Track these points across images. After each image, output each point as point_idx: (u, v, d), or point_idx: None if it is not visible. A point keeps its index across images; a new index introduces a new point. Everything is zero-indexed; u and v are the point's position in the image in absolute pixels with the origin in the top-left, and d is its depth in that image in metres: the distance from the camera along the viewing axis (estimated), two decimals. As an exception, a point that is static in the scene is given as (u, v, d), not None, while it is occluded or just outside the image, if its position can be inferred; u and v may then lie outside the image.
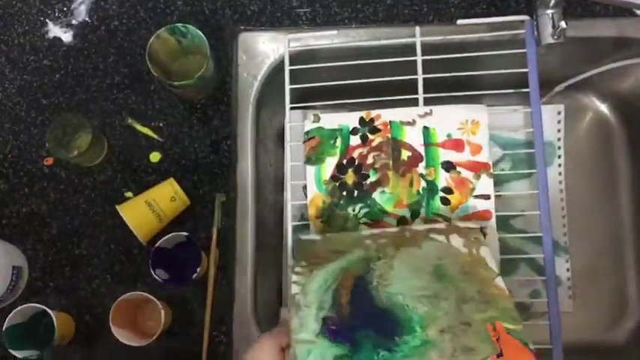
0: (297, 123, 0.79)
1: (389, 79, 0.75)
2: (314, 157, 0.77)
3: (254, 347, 0.61)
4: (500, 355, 0.57)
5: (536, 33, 0.74)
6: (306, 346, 0.59)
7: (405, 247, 0.67)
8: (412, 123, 0.76)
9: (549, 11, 0.72)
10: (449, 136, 0.76)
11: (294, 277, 0.65)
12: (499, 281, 0.64)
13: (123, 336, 0.72)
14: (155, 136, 0.83)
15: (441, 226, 0.70)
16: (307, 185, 0.77)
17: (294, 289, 0.64)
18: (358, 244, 0.68)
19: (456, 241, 0.68)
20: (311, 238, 0.71)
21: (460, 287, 0.62)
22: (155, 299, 0.73)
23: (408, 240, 0.68)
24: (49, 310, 0.72)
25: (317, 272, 0.65)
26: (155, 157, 0.82)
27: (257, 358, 0.60)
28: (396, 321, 0.60)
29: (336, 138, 0.77)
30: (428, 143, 0.76)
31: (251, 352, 0.60)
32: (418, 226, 0.71)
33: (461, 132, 0.76)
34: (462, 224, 0.70)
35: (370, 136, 0.77)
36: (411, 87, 0.76)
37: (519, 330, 0.60)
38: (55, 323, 0.72)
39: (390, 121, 0.77)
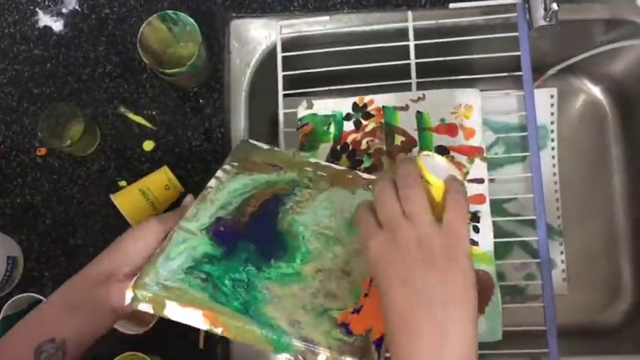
0: (290, 110, 0.79)
1: (382, 64, 0.75)
2: (308, 144, 0.77)
3: (139, 225, 0.61)
4: (356, 311, 0.56)
5: (528, 16, 0.73)
6: (185, 235, 0.60)
7: (338, 186, 0.67)
8: (405, 108, 0.76)
9: (541, -6, 0.72)
10: (442, 120, 0.76)
11: (219, 173, 0.65)
12: None
13: (120, 324, 0.72)
14: (148, 125, 0.82)
15: None
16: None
17: (212, 182, 0.65)
18: (298, 166, 0.68)
19: None
20: (258, 144, 0.70)
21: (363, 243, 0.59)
22: None
23: (346, 181, 0.68)
24: (44, 299, 0.72)
25: (241, 176, 0.65)
26: (148, 145, 0.82)
27: (138, 236, 0.60)
28: (283, 247, 0.60)
29: (330, 124, 0.77)
30: (421, 128, 0.76)
31: (135, 228, 0.61)
32: (364, 175, 0.70)
33: (454, 116, 0.76)
34: None
35: (364, 122, 0.77)
36: (404, 72, 0.76)
37: None
38: None
39: (383, 107, 0.76)
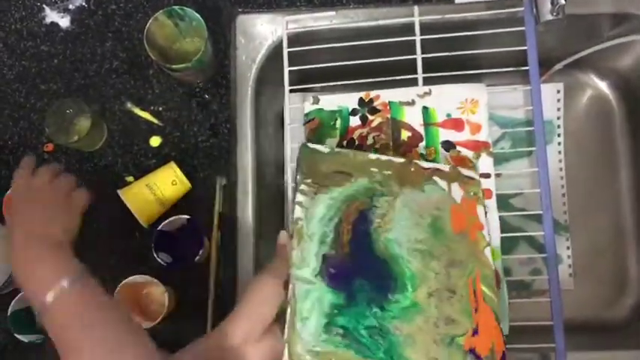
0: (296, 105, 0.79)
1: (388, 59, 0.75)
2: (314, 139, 0.77)
3: (255, 286, 0.59)
4: (475, 332, 0.61)
5: (535, 10, 0.73)
6: (306, 286, 0.62)
7: (408, 185, 0.68)
8: (411, 103, 0.76)
9: (548, -13, 0.72)
10: (448, 115, 0.76)
11: (299, 197, 0.66)
12: (487, 252, 0.67)
13: None
14: (155, 121, 0.83)
15: (445, 168, 0.71)
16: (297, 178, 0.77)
17: (298, 212, 0.65)
18: (364, 168, 0.69)
19: (456, 191, 0.70)
20: (318, 147, 0.70)
21: (452, 248, 0.65)
22: (159, 282, 0.73)
23: (412, 176, 0.69)
24: None
25: (321, 197, 0.66)
26: (155, 141, 0.82)
27: (259, 300, 0.59)
28: (391, 274, 0.63)
29: (336, 119, 0.77)
30: (427, 123, 0.76)
31: (252, 292, 0.59)
32: (423, 163, 0.71)
33: (460, 111, 0.76)
34: (464, 171, 0.71)
35: (370, 117, 0.77)
36: (411, 67, 0.76)
37: (494, 298, 0.64)
38: None
39: (389, 102, 0.77)
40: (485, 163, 0.75)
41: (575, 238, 0.88)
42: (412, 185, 0.68)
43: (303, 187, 0.67)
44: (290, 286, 0.62)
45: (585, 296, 0.88)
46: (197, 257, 0.74)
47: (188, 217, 0.75)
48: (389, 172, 0.69)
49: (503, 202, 0.86)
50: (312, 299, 0.61)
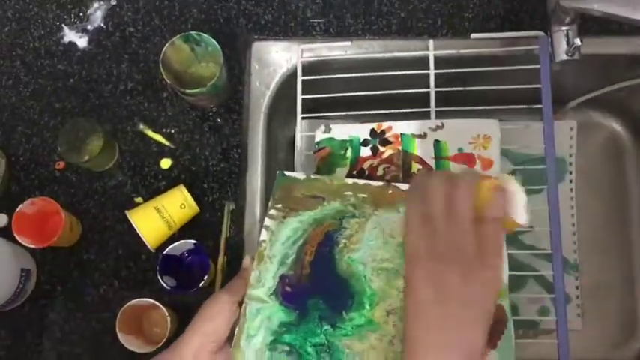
0: (308, 133, 0.79)
1: (401, 91, 0.75)
2: (324, 168, 0.77)
3: (208, 302, 0.61)
4: None
5: (550, 49, 0.73)
6: (257, 304, 0.62)
7: (383, 207, 0.66)
8: (423, 136, 0.76)
9: (564, 28, 0.72)
10: (460, 150, 0.75)
11: (267, 221, 0.66)
12: None
13: (129, 342, 0.72)
14: (166, 143, 0.83)
15: None
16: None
17: (263, 234, 0.65)
18: (338, 193, 0.68)
19: None
20: (294, 175, 0.70)
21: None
22: (161, 306, 0.73)
23: (389, 199, 0.67)
24: None
25: (289, 220, 0.66)
26: (166, 163, 0.82)
27: (210, 315, 0.60)
28: (349, 292, 0.62)
29: (347, 149, 0.77)
30: (439, 157, 0.75)
31: (204, 307, 0.61)
32: (402, 185, 0.69)
33: (472, 146, 0.75)
34: None
35: (381, 148, 0.77)
36: (424, 100, 0.76)
37: None
38: None
39: (401, 134, 0.76)
40: (495, 199, 0.74)
41: (584, 277, 0.87)
42: (387, 207, 0.67)
43: (272, 212, 0.67)
44: (243, 305, 0.62)
45: (593, 337, 0.87)
46: (202, 282, 0.74)
47: (194, 241, 0.75)
48: (364, 196, 0.68)
49: (513, 238, 0.85)
50: (262, 317, 0.62)
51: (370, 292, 0.62)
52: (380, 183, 0.69)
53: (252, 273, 0.64)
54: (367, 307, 0.61)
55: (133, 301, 0.73)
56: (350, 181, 0.69)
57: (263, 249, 0.65)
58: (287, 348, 0.60)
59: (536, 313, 0.85)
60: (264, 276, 0.64)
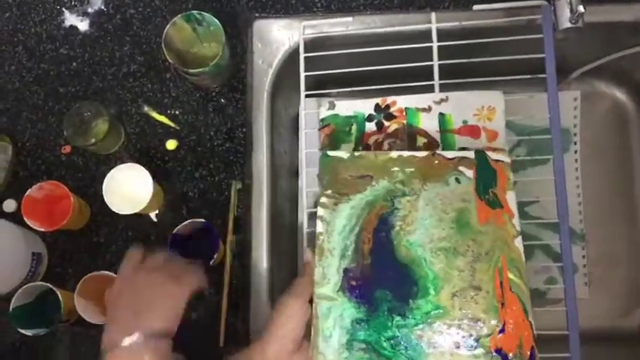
0: (312, 110, 0.79)
1: (404, 65, 0.75)
2: (329, 145, 0.77)
3: (278, 309, 0.62)
4: (502, 330, 0.60)
5: (553, 17, 0.73)
6: (327, 303, 0.62)
7: (431, 181, 0.67)
8: (428, 109, 0.76)
9: (567, -5, 0.71)
10: (465, 122, 0.75)
11: (320, 211, 0.66)
12: (517, 242, 0.65)
13: (84, 308, 0.73)
14: (171, 124, 0.83)
15: (471, 155, 0.69)
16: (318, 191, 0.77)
17: (319, 226, 0.65)
18: (385, 169, 0.68)
19: None
20: (338, 154, 0.70)
21: (478, 241, 0.63)
22: None
23: (436, 170, 0.67)
24: (55, 288, 0.73)
25: (342, 206, 0.66)
26: (172, 144, 0.83)
27: (282, 322, 0.61)
28: (413, 279, 0.63)
29: (352, 125, 0.77)
30: (444, 130, 0.75)
31: (277, 314, 0.62)
32: (447, 153, 0.70)
33: (477, 118, 0.75)
34: (493, 155, 0.69)
35: (386, 123, 0.77)
36: (427, 73, 0.75)
37: (522, 285, 0.62)
38: (61, 300, 0.73)
39: (405, 108, 0.76)
40: (501, 170, 0.74)
41: (590, 247, 0.88)
42: (436, 179, 0.67)
43: (323, 199, 0.67)
44: (313, 304, 0.63)
45: (600, 306, 0.87)
46: (212, 260, 0.74)
47: (203, 220, 0.75)
48: (411, 170, 0.68)
49: (519, 210, 0.84)
50: (334, 316, 0.62)
51: (433, 276, 0.62)
52: (424, 153, 0.69)
53: (316, 270, 0.64)
54: (432, 292, 0.62)
55: (94, 273, 0.74)
56: (394, 154, 0.69)
57: (322, 242, 0.65)
58: (363, 346, 0.61)
59: (543, 283, 0.86)
60: (328, 271, 0.64)
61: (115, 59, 0.85)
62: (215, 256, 0.74)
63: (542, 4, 0.74)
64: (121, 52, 0.85)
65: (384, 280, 0.63)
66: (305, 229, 0.74)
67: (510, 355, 0.60)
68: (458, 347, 0.60)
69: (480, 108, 0.75)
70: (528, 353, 0.61)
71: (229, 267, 0.78)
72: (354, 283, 0.63)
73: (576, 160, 0.88)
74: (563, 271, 0.71)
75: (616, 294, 0.88)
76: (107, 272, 0.74)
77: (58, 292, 0.73)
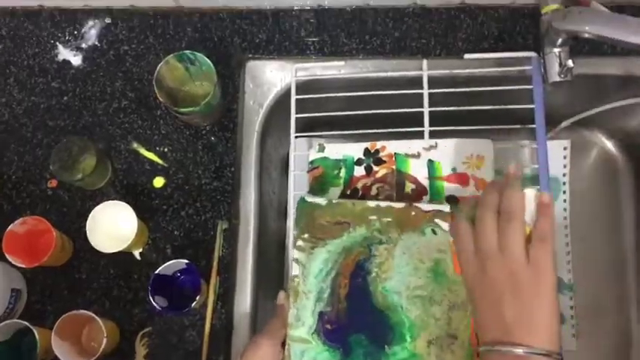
0: (301, 152, 0.78)
1: (395, 111, 0.75)
2: (318, 187, 0.76)
3: (249, 348, 0.61)
4: None
5: (543, 70, 0.74)
6: (301, 346, 0.62)
7: (408, 231, 0.67)
8: (417, 156, 0.76)
9: (556, 49, 0.72)
10: (454, 169, 0.75)
11: (296, 254, 0.66)
12: None
13: (60, 349, 0.71)
14: (159, 161, 0.83)
15: (446, 209, 0.69)
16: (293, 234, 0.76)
17: (295, 269, 0.65)
18: (362, 217, 0.68)
19: None
20: (316, 201, 0.70)
21: (453, 290, 0.63)
22: (99, 320, 0.72)
23: (412, 221, 0.67)
24: (32, 327, 0.71)
25: (319, 250, 0.66)
26: (159, 182, 0.82)
27: None
28: (389, 325, 0.62)
29: (341, 168, 0.77)
30: (432, 177, 0.75)
31: (246, 355, 0.61)
32: (424, 205, 0.69)
33: (466, 166, 0.75)
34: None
35: (375, 168, 0.76)
36: (418, 119, 0.76)
37: None
38: (37, 339, 0.71)
39: (395, 153, 0.76)
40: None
41: (578, 297, 0.87)
42: (412, 229, 0.67)
43: (299, 242, 0.67)
44: (286, 346, 0.62)
45: (588, 358, 0.86)
46: (194, 303, 0.73)
47: (186, 261, 0.74)
48: (388, 219, 0.68)
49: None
50: (308, 358, 0.62)
51: (409, 323, 0.62)
52: (402, 204, 0.69)
53: (290, 312, 0.64)
54: (408, 338, 0.62)
55: (73, 312, 0.72)
56: (372, 203, 0.69)
57: (297, 284, 0.65)
58: None
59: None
60: (302, 314, 0.64)
61: (107, 94, 0.85)
62: (197, 298, 0.73)
63: (531, 56, 0.75)
64: (112, 87, 0.85)
65: (360, 324, 0.63)
66: (292, 270, 0.73)
67: None
68: None
69: (469, 156, 0.75)
70: None
71: (212, 309, 0.77)
72: (329, 326, 0.63)
73: (565, 209, 0.88)
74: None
75: (604, 346, 0.87)
76: (86, 312, 0.72)
77: (35, 331, 0.71)
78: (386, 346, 0.61)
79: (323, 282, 0.65)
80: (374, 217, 0.68)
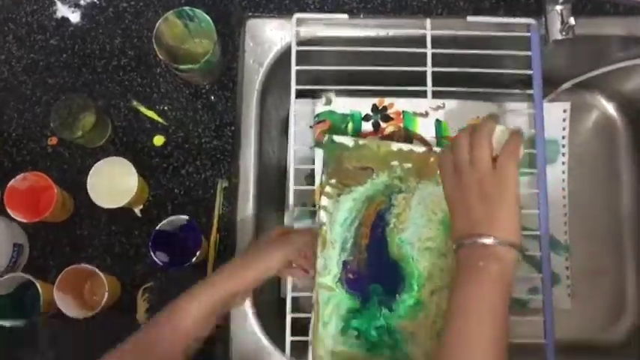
0: (302, 107, 0.78)
1: (396, 68, 0.75)
2: (324, 141, 0.76)
3: (269, 246, 0.67)
4: None
5: (545, 30, 0.73)
6: (327, 293, 0.68)
7: (425, 179, 0.71)
8: (425, 115, 0.76)
9: (558, 7, 0.72)
10: (460, 131, 0.75)
11: (324, 200, 0.71)
12: None
13: (63, 302, 0.73)
14: (159, 120, 0.83)
15: None
16: (315, 169, 0.76)
17: (323, 217, 0.70)
18: (385, 162, 0.72)
19: None
20: (344, 141, 0.73)
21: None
22: (101, 274, 0.73)
23: (430, 169, 0.71)
24: (34, 280, 0.73)
25: (344, 198, 0.71)
26: (159, 140, 0.82)
27: (265, 269, 0.65)
28: (401, 275, 0.68)
29: (348, 123, 0.77)
30: (439, 136, 0.75)
31: (266, 250, 0.66)
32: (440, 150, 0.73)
33: (472, 128, 0.75)
34: None
35: (382, 124, 0.76)
36: (418, 78, 0.75)
37: None
38: (40, 292, 0.72)
39: (402, 111, 0.76)
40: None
41: (575, 258, 0.88)
42: (429, 178, 0.71)
43: (328, 189, 0.71)
44: (314, 292, 0.68)
45: (582, 317, 0.87)
46: (194, 258, 0.74)
47: (187, 217, 0.75)
48: (409, 166, 0.71)
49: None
50: (333, 305, 0.67)
51: (417, 274, 0.68)
52: (422, 148, 0.72)
53: (319, 260, 0.69)
54: (415, 288, 0.67)
55: (75, 266, 0.73)
56: (395, 147, 0.72)
57: (324, 233, 0.69)
58: (355, 333, 0.66)
59: (526, 293, 0.85)
60: (329, 263, 0.69)
61: (106, 52, 0.85)
62: (198, 254, 0.74)
63: (531, 23, 0.74)
64: (111, 45, 0.85)
65: (378, 275, 0.68)
66: (319, 218, 0.73)
67: None
68: (431, 339, 0.66)
69: (475, 118, 0.75)
70: None
71: (212, 265, 0.78)
72: (351, 276, 0.68)
73: (563, 172, 0.88)
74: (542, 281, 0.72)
75: (599, 306, 0.88)
76: (87, 265, 0.73)
77: (38, 284, 0.72)
78: (397, 295, 0.67)
79: (347, 231, 0.69)
80: (395, 163, 0.71)
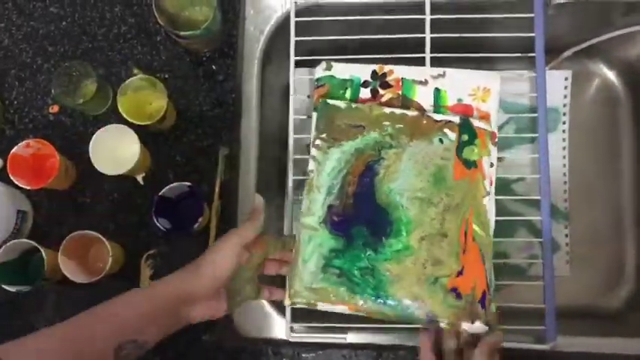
0: (302, 76, 0.78)
1: (395, 36, 0.74)
2: (322, 106, 0.76)
3: (218, 240, 0.63)
4: (460, 273, 0.66)
5: (547, -7, 0.73)
6: (309, 232, 0.68)
7: (418, 138, 0.71)
8: (424, 83, 0.75)
9: (561, -30, 0.71)
10: (459, 100, 0.74)
11: (313, 151, 0.71)
12: (486, 201, 0.70)
13: (67, 267, 0.74)
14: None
15: (456, 120, 0.72)
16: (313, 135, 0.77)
17: (311, 165, 0.70)
18: (377, 122, 0.72)
19: None
20: (336, 103, 0.73)
21: (450, 195, 0.69)
22: (105, 241, 0.74)
23: (423, 129, 0.72)
24: (38, 246, 0.73)
25: (334, 150, 0.71)
26: (160, 108, 0.82)
27: (219, 252, 0.62)
28: (388, 220, 0.68)
29: (347, 88, 0.76)
30: (438, 105, 0.75)
31: (215, 245, 0.63)
32: (436, 115, 0.73)
33: (471, 98, 0.74)
34: (476, 122, 0.72)
35: (381, 91, 0.76)
36: (419, 45, 0.75)
37: (483, 235, 0.68)
38: (44, 257, 0.73)
39: (402, 78, 0.76)
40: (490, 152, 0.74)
41: (574, 226, 0.88)
42: (422, 138, 0.71)
43: (317, 142, 0.71)
44: (296, 232, 0.68)
45: (581, 284, 0.88)
46: (196, 224, 0.75)
47: (189, 184, 0.75)
48: (400, 126, 0.72)
49: (505, 186, 0.86)
50: (314, 244, 0.67)
51: (406, 220, 0.68)
52: (415, 112, 0.72)
53: (303, 202, 0.69)
54: (404, 233, 0.67)
55: (79, 232, 0.74)
56: (387, 110, 0.72)
57: (311, 179, 0.70)
58: (337, 271, 0.67)
59: (526, 259, 0.86)
60: (313, 205, 0.69)
61: (106, 20, 0.84)
62: (200, 220, 0.75)
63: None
64: (111, 12, 0.84)
65: (363, 218, 0.68)
66: (291, 195, 0.74)
67: (464, 294, 0.65)
68: (419, 282, 0.66)
69: (475, 88, 0.74)
70: (480, 295, 0.66)
71: (214, 232, 0.79)
72: (335, 218, 0.68)
73: (564, 140, 0.89)
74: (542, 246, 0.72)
75: (597, 273, 0.89)
76: (91, 232, 0.74)
77: (42, 250, 0.73)
78: (383, 238, 0.67)
79: (334, 178, 0.70)
80: (387, 123, 0.72)
